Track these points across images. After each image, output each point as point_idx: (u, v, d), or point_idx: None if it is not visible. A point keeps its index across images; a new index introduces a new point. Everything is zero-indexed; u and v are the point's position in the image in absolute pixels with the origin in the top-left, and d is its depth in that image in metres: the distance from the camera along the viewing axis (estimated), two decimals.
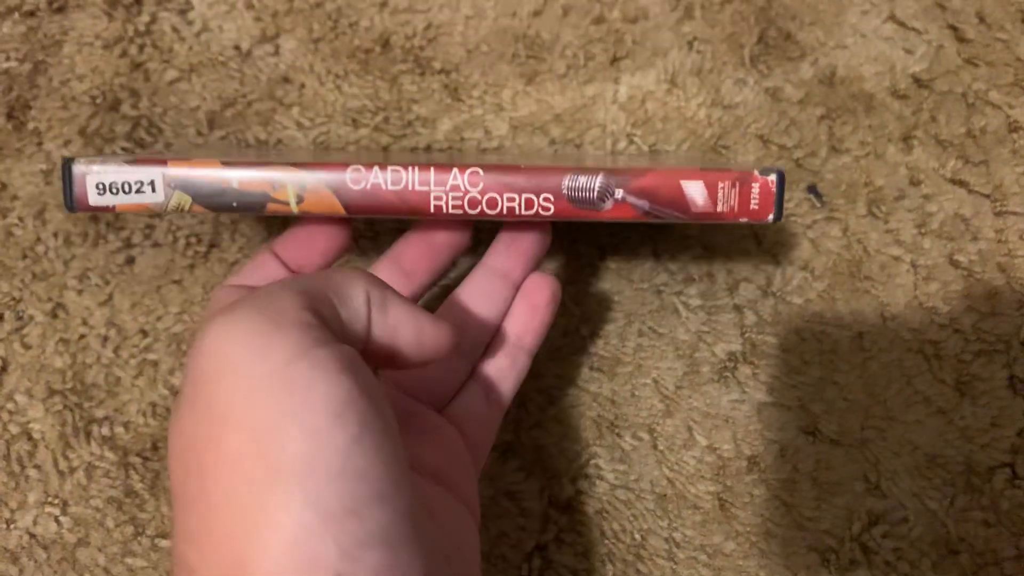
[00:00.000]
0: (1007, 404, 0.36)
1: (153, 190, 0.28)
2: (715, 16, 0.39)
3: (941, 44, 0.38)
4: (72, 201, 0.28)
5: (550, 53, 0.38)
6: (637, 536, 0.36)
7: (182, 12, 0.38)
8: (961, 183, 0.38)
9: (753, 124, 0.38)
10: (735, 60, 0.38)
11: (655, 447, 0.37)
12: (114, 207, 0.28)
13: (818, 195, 0.38)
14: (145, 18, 0.38)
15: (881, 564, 0.36)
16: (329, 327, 0.23)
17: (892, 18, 0.39)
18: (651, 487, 0.37)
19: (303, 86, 0.38)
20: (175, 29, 0.38)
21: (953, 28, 0.39)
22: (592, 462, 0.37)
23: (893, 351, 0.37)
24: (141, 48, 0.38)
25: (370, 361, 0.24)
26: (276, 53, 0.38)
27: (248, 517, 0.20)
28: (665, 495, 0.36)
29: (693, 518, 0.36)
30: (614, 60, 0.38)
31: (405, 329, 0.25)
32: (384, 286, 0.25)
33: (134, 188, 0.28)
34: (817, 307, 0.37)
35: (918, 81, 0.38)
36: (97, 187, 0.28)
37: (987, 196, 0.38)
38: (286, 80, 0.38)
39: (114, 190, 0.28)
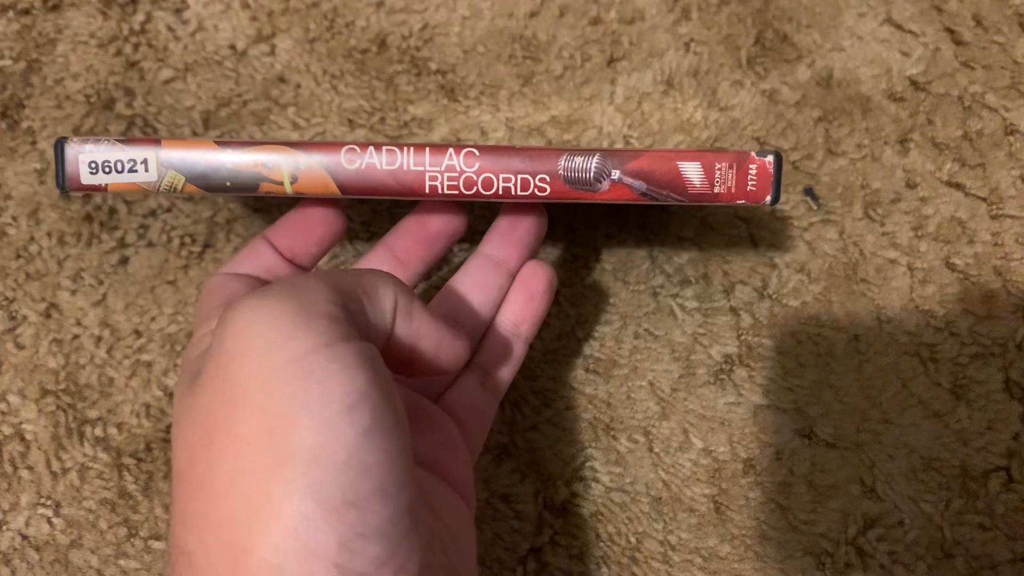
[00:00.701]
0: (1003, 407, 0.36)
1: (146, 169, 0.28)
2: (712, 18, 0.39)
3: (938, 47, 0.38)
4: (64, 180, 0.28)
5: (547, 54, 0.38)
6: (632, 539, 0.36)
7: (177, 11, 0.38)
8: (957, 186, 0.38)
9: (750, 126, 0.38)
10: (732, 62, 0.38)
11: (651, 450, 0.37)
12: (106, 186, 0.28)
13: (814, 197, 0.38)
14: (140, 17, 0.38)
15: (876, 568, 0.36)
16: (355, 324, 0.23)
17: (889, 20, 0.39)
18: (646, 490, 0.36)
19: (299, 86, 0.38)
20: (170, 28, 0.38)
21: (950, 31, 0.39)
22: (587, 464, 0.37)
23: (889, 354, 0.37)
24: (136, 47, 0.38)
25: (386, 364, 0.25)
26: (272, 53, 0.38)
27: (251, 501, 0.20)
28: (660, 498, 0.36)
29: (688, 521, 0.36)
30: (611, 61, 0.38)
31: (426, 339, 0.26)
32: (411, 294, 0.25)
33: (127, 167, 0.28)
34: (813, 310, 0.37)
35: (915, 84, 0.38)
36: (90, 166, 0.28)
37: (983, 199, 0.38)
38: (282, 80, 0.38)
39: (106, 169, 0.28)
